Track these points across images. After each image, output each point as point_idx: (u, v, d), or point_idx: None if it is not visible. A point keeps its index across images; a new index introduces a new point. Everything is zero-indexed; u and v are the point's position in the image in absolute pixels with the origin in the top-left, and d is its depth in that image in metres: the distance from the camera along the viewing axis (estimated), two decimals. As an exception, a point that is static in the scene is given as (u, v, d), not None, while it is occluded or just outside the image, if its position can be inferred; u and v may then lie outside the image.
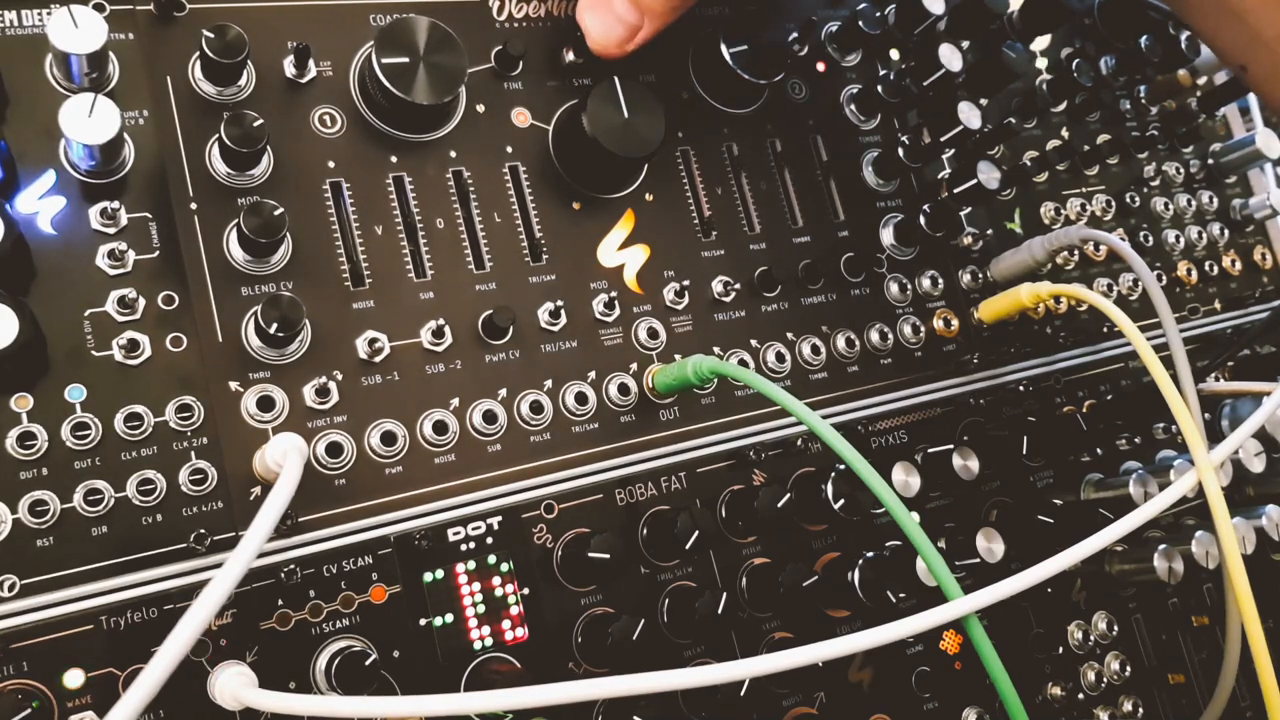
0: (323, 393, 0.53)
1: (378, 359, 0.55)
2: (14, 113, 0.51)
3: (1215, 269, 0.87)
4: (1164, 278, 0.84)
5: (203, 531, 0.50)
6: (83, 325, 0.50)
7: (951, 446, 0.67)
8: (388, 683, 0.52)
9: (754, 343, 0.66)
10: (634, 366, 0.62)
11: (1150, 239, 0.85)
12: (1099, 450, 0.77)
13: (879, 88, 0.72)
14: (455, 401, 0.57)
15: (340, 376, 0.55)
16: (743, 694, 0.56)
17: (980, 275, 0.76)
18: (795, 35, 0.71)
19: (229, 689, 0.46)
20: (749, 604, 0.61)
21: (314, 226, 0.56)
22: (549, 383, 0.59)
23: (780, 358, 0.66)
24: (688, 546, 0.58)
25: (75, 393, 0.49)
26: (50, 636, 0.47)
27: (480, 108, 0.62)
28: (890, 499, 0.49)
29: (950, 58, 0.72)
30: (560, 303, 0.60)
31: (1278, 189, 0.90)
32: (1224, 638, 0.66)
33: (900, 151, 0.71)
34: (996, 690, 0.50)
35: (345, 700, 0.46)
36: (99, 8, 0.53)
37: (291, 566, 0.51)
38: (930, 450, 0.67)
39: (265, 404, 0.52)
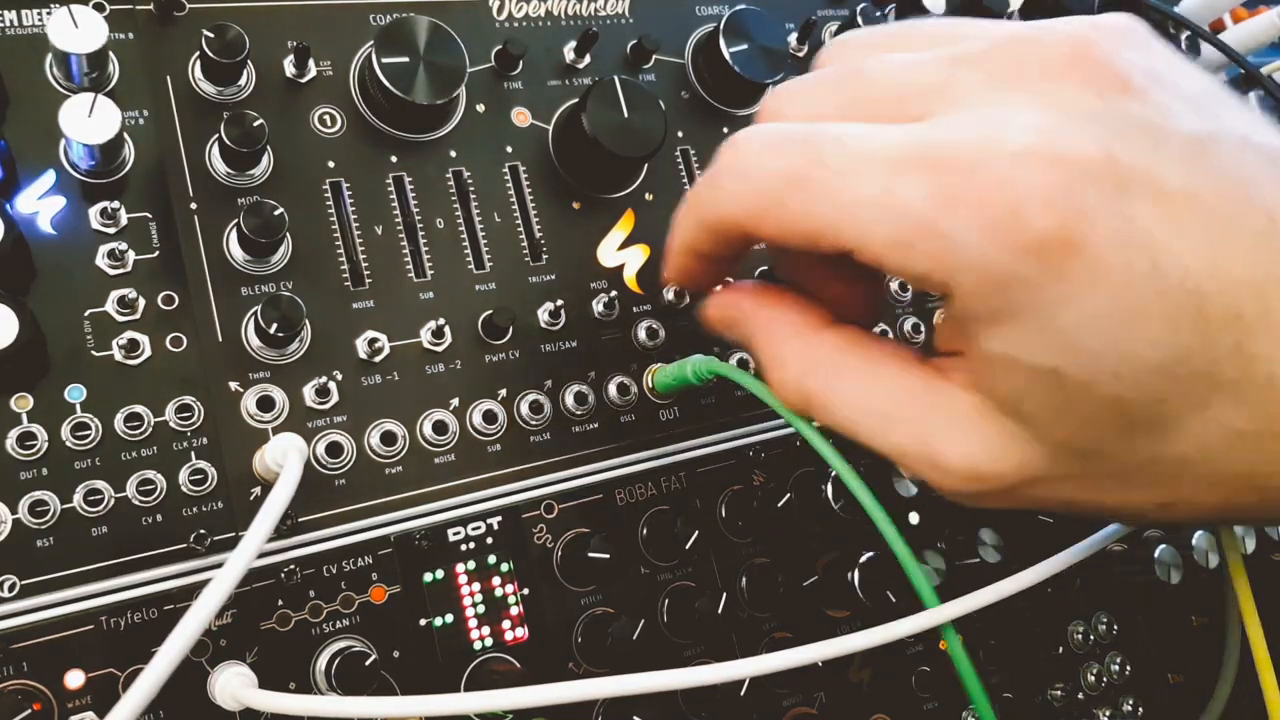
0: (323, 393, 0.53)
1: (378, 359, 0.55)
2: (14, 113, 0.51)
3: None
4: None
5: (203, 532, 0.50)
6: (83, 325, 0.50)
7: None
8: (388, 683, 0.52)
9: (754, 343, 0.66)
10: (634, 366, 0.62)
11: (1150, 239, 0.84)
12: (1099, 450, 0.77)
13: (879, 88, 0.72)
14: (455, 401, 0.57)
15: (340, 376, 0.55)
16: (743, 694, 0.56)
17: (980, 275, 0.75)
18: (795, 34, 0.71)
19: (229, 689, 0.46)
20: (749, 604, 0.61)
21: (314, 226, 0.56)
22: (549, 383, 0.59)
23: (780, 358, 0.66)
24: (688, 546, 0.58)
25: (75, 393, 0.49)
26: (50, 637, 0.46)
27: (480, 108, 0.62)
28: (871, 505, 0.48)
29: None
30: (560, 303, 0.60)
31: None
32: (1224, 638, 0.66)
33: (900, 151, 0.71)
34: (970, 696, 0.50)
35: (345, 700, 0.46)
36: (99, 7, 0.53)
37: (291, 566, 0.51)
38: (930, 450, 0.67)
39: (265, 404, 0.52)
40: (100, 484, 0.48)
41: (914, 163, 0.34)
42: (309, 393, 0.53)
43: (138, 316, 0.51)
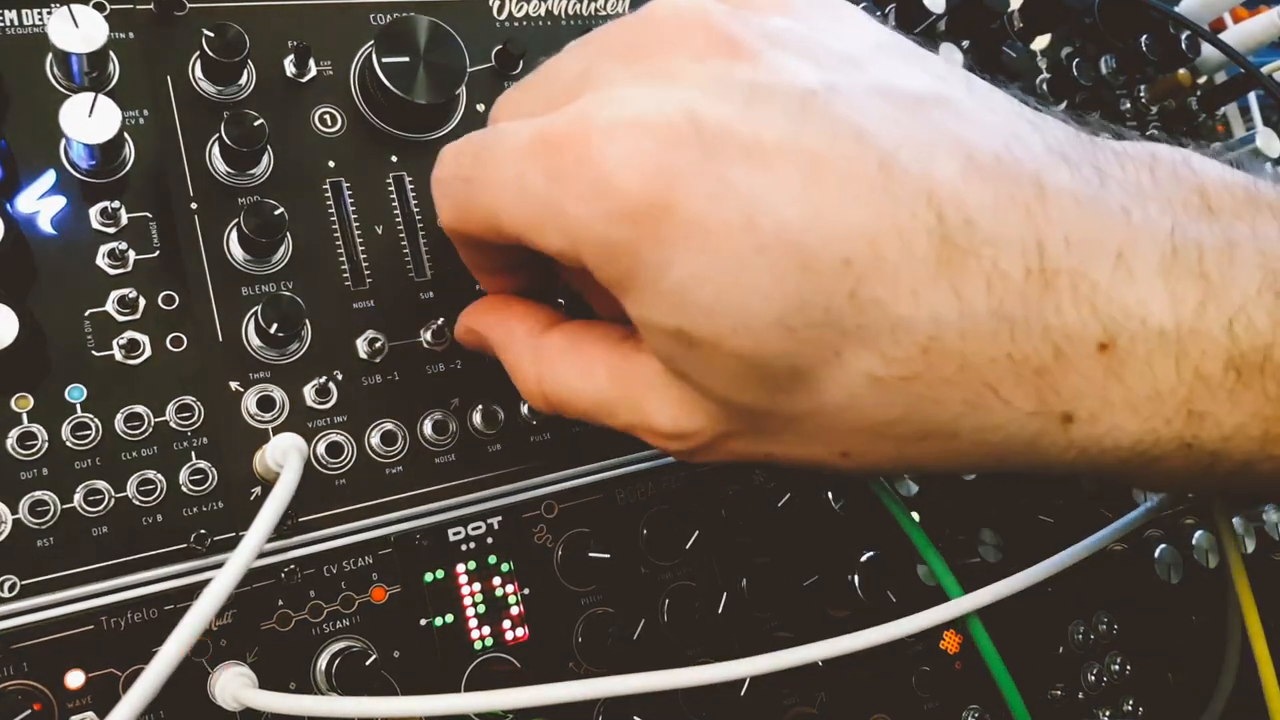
0: (323, 393, 0.53)
1: (378, 359, 0.55)
2: (14, 113, 0.51)
3: (1215, 269, 0.87)
4: (1164, 277, 0.84)
5: (203, 532, 0.50)
6: (83, 325, 0.50)
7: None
8: (388, 683, 0.52)
9: (754, 342, 0.66)
10: (634, 366, 0.62)
11: (1150, 239, 0.84)
12: (1099, 450, 0.77)
13: (879, 87, 0.72)
14: (455, 401, 0.57)
15: (340, 376, 0.54)
16: (743, 694, 0.56)
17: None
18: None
19: (229, 689, 0.46)
20: (749, 604, 0.61)
21: (314, 226, 0.56)
22: (549, 383, 0.59)
23: (780, 357, 0.66)
24: (687, 546, 0.58)
25: (75, 393, 0.49)
26: (50, 637, 0.46)
27: (480, 107, 0.62)
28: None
29: (950, 57, 0.72)
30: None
31: (1278, 189, 0.90)
32: (1224, 638, 0.66)
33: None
34: (1001, 691, 0.50)
35: (345, 700, 0.46)
36: (99, 7, 0.53)
37: (291, 566, 0.51)
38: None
39: (265, 404, 0.52)
40: (100, 484, 0.48)
41: (537, 149, 0.36)
42: (309, 393, 0.53)
43: (138, 316, 0.51)
